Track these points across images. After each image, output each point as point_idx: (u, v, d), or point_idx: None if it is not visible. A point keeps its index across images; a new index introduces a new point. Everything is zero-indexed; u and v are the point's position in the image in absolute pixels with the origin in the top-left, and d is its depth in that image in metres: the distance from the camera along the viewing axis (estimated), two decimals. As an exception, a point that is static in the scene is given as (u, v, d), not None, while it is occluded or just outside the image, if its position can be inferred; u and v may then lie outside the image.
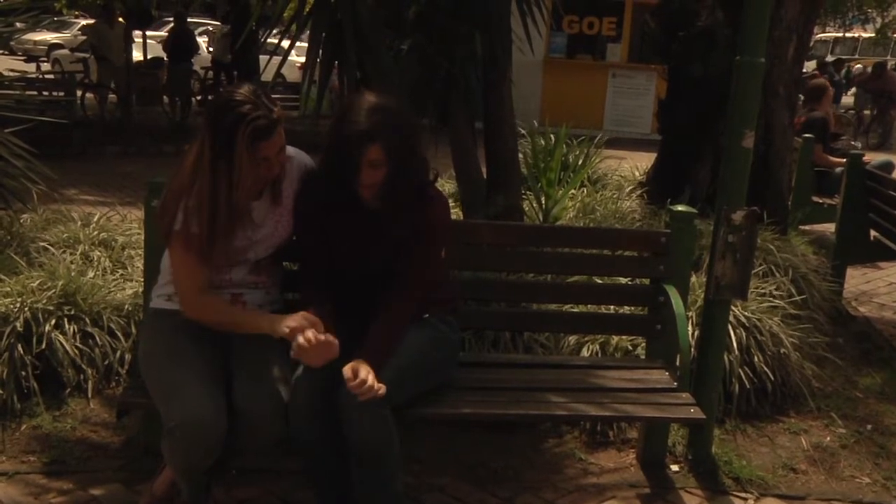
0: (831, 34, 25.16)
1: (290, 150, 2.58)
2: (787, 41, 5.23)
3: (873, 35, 20.89)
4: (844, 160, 6.00)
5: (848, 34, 24.73)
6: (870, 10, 20.01)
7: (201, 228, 2.35)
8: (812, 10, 5.58)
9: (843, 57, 21.91)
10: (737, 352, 3.56)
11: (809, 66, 20.13)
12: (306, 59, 3.93)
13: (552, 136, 5.44)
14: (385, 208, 2.41)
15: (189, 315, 2.44)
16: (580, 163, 5.80)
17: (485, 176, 4.52)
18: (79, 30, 20.01)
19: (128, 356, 3.39)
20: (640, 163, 7.25)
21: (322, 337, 2.28)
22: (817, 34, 22.49)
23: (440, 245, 2.57)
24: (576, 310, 3.44)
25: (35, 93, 9.30)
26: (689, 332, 3.16)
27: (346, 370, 2.25)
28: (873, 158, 6.87)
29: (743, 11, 2.93)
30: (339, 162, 2.35)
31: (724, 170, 3.05)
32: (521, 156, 4.95)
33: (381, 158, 2.31)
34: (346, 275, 2.50)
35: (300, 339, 2.27)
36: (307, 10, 3.89)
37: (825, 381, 3.90)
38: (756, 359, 3.60)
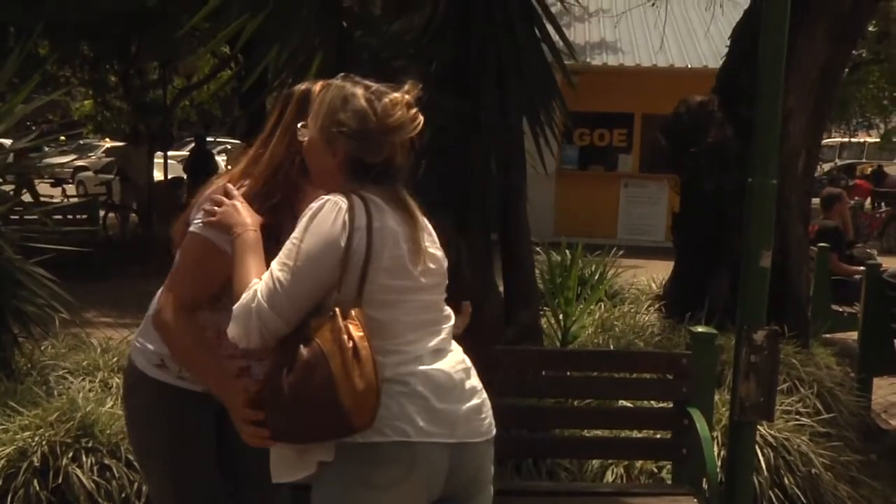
0: (838, 139, 25.59)
1: None
2: (796, 155, 5.31)
3: (878, 140, 21.25)
4: (862, 268, 6.00)
5: (853, 139, 25.16)
6: (872, 117, 20.44)
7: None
8: (819, 122, 5.69)
9: (852, 161, 22.22)
10: (766, 473, 3.46)
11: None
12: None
13: (567, 251, 5.48)
14: None
15: (160, 327, 2.10)
16: (596, 278, 5.81)
17: (501, 292, 4.54)
18: (103, 152, 20.66)
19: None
20: (656, 273, 7.25)
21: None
22: (824, 139, 22.92)
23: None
24: (599, 433, 3.38)
25: (60, 217, 9.51)
26: (716, 453, 3.09)
27: None
28: (890, 264, 6.85)
29: (753, 134, 2.99)
30: None
31: (742, 290, 3.05)
32: (537, 271, 4.98)
33: None
34: None
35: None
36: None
37: (861, 503, 3.77)
38: (786, 480, 3.50)
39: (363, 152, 1.87)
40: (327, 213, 1.82)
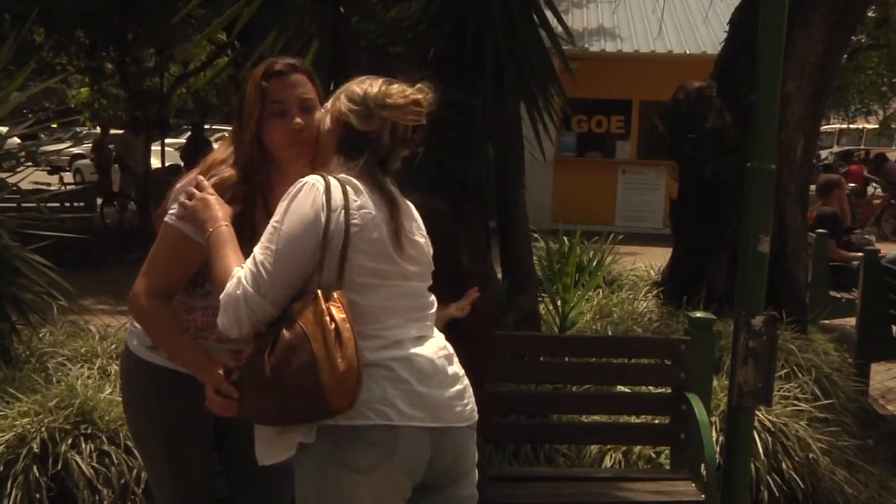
0: (836, 126, 25.54)
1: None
2: (795, 141, 5.31)
3: (877, 126, 21.21)
4: (860, 254, 6.00)
5: (852, 126, 25.13)
6: (871, 103, 20.41)
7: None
8: (817, 109, 5.68)
9: (850, 147, 22.18)
10: (764, 458, 3.47)
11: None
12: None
13: (565, 238, 5.48)
14: None
15: (134, 311, 2.14)
16: (595, 264, 5.81)
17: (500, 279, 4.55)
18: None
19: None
20: (654, 260, 7.26)
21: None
22: (822, 126, 22.87)
23: (484, 359, 2.57)
24: (597, 419, 3.39)
25: (57, 204, 9.48)
26: (714, 439, 3.10)
27: None
28: (888, 250, 6.86)
29: (752, 120, 2.98)
30: None
31: (741, 275, 3.05)
32: (535, 258, 4.98)
33: None
34: None
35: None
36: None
37: (858, 487, 3.79)
38: (784, 465, 3.51)
39: (353, 116, 1.90)
40: (305, 195, 1.84)
